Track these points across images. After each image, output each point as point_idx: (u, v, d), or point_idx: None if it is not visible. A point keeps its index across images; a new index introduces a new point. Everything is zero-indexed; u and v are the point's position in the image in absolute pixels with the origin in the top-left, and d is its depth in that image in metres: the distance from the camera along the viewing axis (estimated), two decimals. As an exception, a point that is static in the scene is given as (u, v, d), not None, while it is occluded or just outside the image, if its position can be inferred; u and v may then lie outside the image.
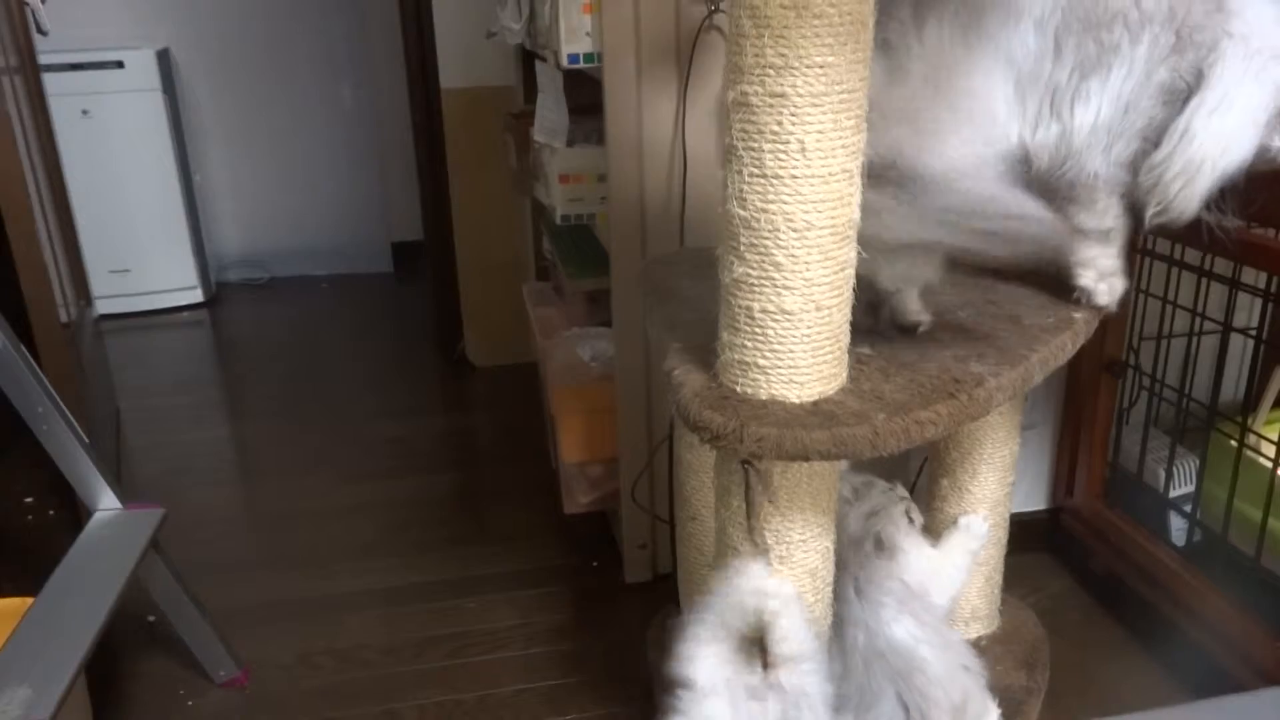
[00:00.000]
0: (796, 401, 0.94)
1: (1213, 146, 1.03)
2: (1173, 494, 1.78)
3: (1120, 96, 1.07)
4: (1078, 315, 1.18)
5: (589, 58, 1.74)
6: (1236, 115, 1.03)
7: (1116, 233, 1.19)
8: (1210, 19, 1.03)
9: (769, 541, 1.00)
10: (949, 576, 1.36)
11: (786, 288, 0.90)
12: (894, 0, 0.99)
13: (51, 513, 2.25)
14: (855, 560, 1.26)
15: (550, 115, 2.06)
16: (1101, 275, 1.21)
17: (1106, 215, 1.16)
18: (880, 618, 1.21)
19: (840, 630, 1.19)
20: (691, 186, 1.66)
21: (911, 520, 1.34)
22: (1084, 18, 1.04)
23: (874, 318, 1.09)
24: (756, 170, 0.87)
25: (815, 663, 0.99)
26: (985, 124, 1.04)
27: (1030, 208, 0.96)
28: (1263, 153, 1.05)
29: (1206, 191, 1.06)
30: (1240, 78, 1.03)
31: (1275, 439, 1.55)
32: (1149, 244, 1.68)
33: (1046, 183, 1.15)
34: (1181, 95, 1.07)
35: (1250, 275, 1.62)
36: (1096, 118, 1.08)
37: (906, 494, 1.37)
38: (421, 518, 2.27)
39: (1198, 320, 1.69)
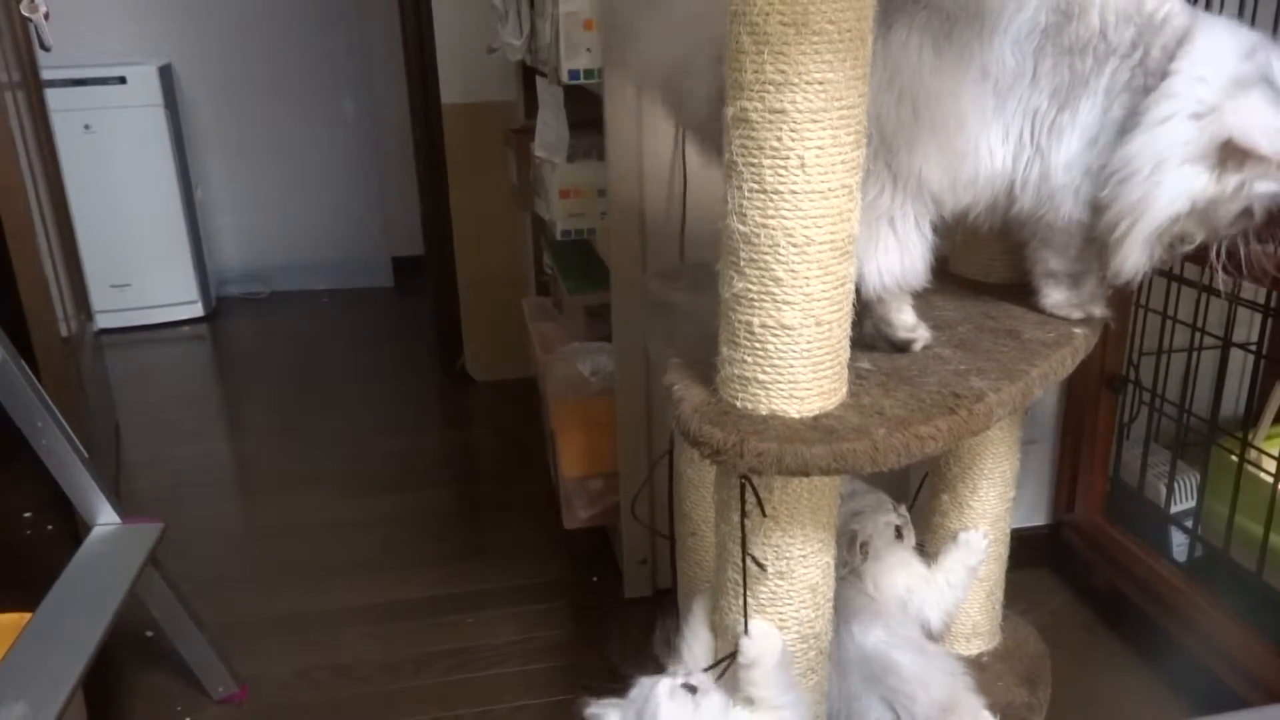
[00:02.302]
0: (796, 416, 0.94)
1: (1148, 178, 1.01)
2: (1174, 509, 1.78)
3: (1087, 129, 1.05)
4: (1078, 330, 1.18)
5: (589, 73, 1.74)
6: (1158, 156, 1.01)
7: (1087, 275, 1.19)
8: (1161, 63, 1.02)
9: (767, 558, 1.00)
10: (941, 592, 1.36)
11: (786, 303, 0.90)
12: None
13: (50, 527, 2.25)
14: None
15: (551, 130, 2.06)
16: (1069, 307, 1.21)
17: (1077, 260, 1.16)
18: (851, 631, 1.22)
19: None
20: (692, 201, 1.67)
21: (901, 536, 1.34)
22: (1058, 42, 1.04)
23: (858, 329, 1.09)
24: (756, 185, 0.87)
25: (794, 708, 0.99)
26: (955, 132, 1.03)
27: None
28: (1207, 200, 1.01)
29: (1147, 240, 1.03)
30: (1166, 119, 1.01)
31: (1276, 454, 1.55)
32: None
33: (1023, 223, 1.14)
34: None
35: (1250, 290, 1.62)
36: (1069, 154, 1.06)
37: (905, 514, 1.37)
38: (421, 532, 2.27)
39: (1198, 335, 1.69)
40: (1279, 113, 0.99)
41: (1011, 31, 1.03)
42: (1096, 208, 1.07)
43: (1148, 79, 1.02)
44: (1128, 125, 1.04)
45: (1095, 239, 1.10)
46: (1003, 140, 1.06)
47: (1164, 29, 1.03)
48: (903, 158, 1.01)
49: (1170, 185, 1.00)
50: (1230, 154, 0.98)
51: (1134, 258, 1.04)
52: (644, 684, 0.98)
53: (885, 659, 1.21)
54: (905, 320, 1.11)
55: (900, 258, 1.05)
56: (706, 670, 1.03)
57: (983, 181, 1.07)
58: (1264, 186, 0.99)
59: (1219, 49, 1.02)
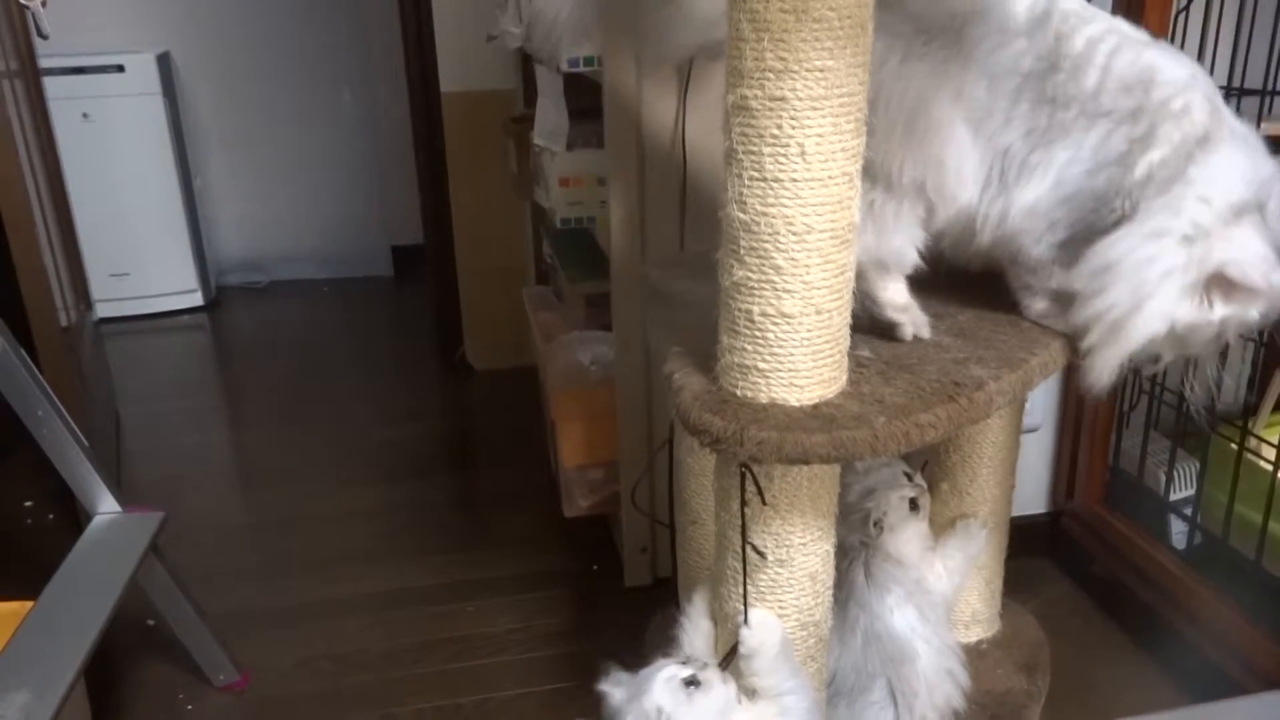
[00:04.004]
0: (796, 405, 0.94)
1: (1128, 296, 0.98)
2: (1173, 497, 1.78)
3: (1062, 183, 1.03)
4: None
5: (589, 61, 1.74)
6: (1141, 275, 0.98)
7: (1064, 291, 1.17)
8: (1177, 163, 0.98)
9: (767, 546, 1.00)
10: (940, 577, 1.37)
11: (786, 291, 0.90)
12: None
13: (51, 516, 2.25)
14: (844, 529, 1.27)
15: (550, 119, 2.06)
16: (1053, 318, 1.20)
17: (1051, 280, 1.13)
18: (885, 603, 1.23)
19: (844, 607, 1.20)
20: (691, 190, 1.66)
21: (916, 508, 1.34)
22: (1040, 90, 1.01)
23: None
24: (756, 174, 0.87)
25: (798, 695, 0.99)
26: (925, 138, 1.01)
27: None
28: (1186, 326, 0.99)
29: (1121, 355, 1.00)
30: (1159, 234, 0.97)
31: (1275, 442, 1.55)
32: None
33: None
34: (1112, 216, 1.02)
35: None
36: (1035, 200, 1.03)
37: (921, 483, 1.37)
38: (421, 521, 2.27)
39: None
40: (1267, 241, 0.97)
41: (989, 66, 1.02)
42: (1065, 257, 1.05)
43: (1154, 169, 0.99)
44: (1114, 205, 1.01)
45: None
46: (973, 168, 1.04)
47: (1182, 120, 0.99)
48: (872, 150, 1.00)
49: (1151, 309, 0.98)
50: (1218, 284, 0.97)
51: (1104, 377, 1.03)
52: (655, 665, 0.99)
53: (908, 646, 1.22)
54: (893, 299, 1.09)
55: (876, 236, 1.04)
56: (720, 665, 1.02)
57: (953, 198, 1.05)
58: (1250, 316, 0.99)
59: (1233, 171, 0.99)
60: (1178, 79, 1.01)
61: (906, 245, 1.06)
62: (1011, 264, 1.14)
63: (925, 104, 1.00)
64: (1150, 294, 0.98)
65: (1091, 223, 1.03)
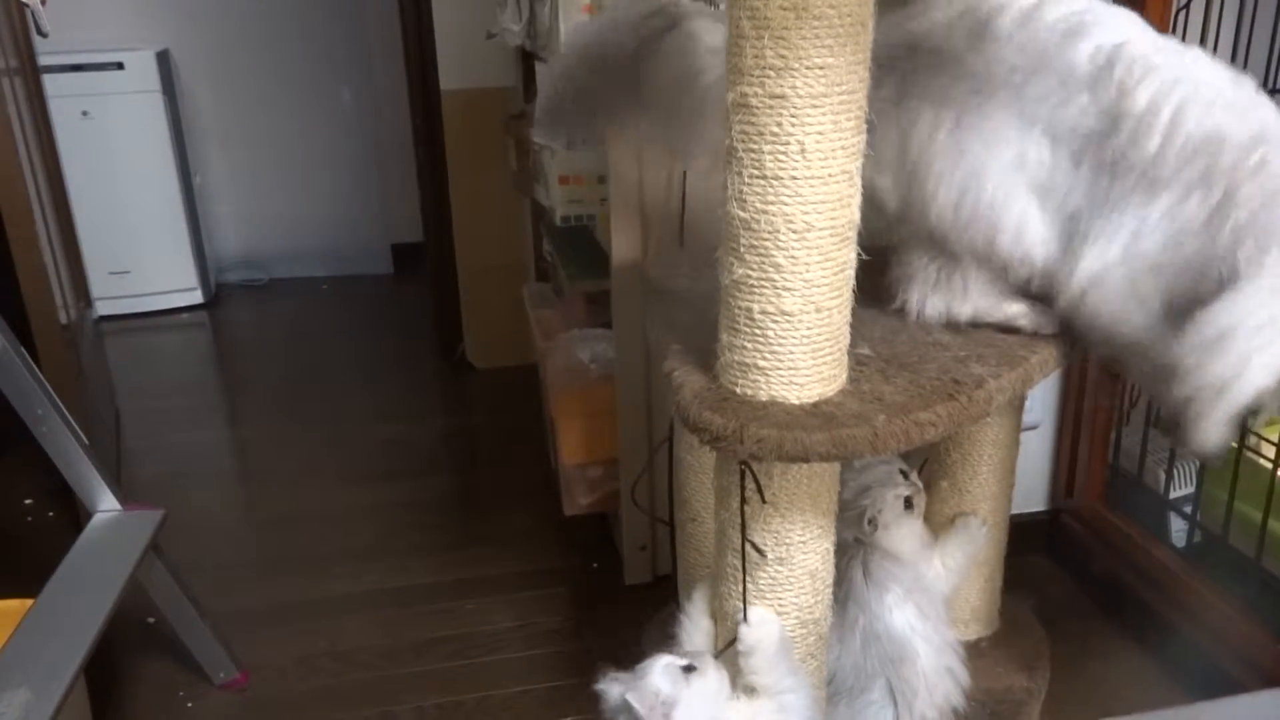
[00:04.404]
0: (796, 403, 0.94)
1: (1237, 360, 0.91)
2: (1173, 495, 1.78)
3: (1131, 257, 0.97)
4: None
5: (589, 59, 1.73)
6: (1256, 334, 0.91)
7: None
8: (1267, 211, 0.92)
9: (766, 544, 1.00)
10: (939, 575, 1.37)
11: (786, 289, 0.90)
12: (876, 74, 0.89)
13: (51, 514, 2.25)
14: (840, 525, 1.27)
15: (550, 116, 2.05)
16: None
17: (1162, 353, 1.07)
18: (884, 602, 1.24)
19: (843, 606, 1.20)
20: (691, 188, 1.66)
21: (911, 506, 1.35)
22: (1098, 153, 0.97)
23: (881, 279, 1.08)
24: (756, 172, 0.87)
25: (796, 693, 1.00)
26: (977, 217, 1.01)
27: None
28: None
29: (1227, 418, 0.92)
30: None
31: (1275, 440, 1.55)
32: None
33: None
34: (1210, 283, 0.95)
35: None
36: (1102, 270, 0.98)
37: (917, 481, 1.37)
38: (421, 519, 2.27)
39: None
40: None
41: (1051, 126, 0.98)
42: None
43: (1242, 230, 0.93)
44: (1210, 272, 0.95)
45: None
46: (1039, 232, 1.01)
47: (1259, 175, 0.93)
48: (928, 224, 1.01)
49: (1259, 363, 0.91)
50: None
51: (1213, 439, 0.94)
52: (652, 659, 0.99)
53: (907, 645, 1.23)
54: (1005, 312, 1.10)
55: (949, 301, 1.08)
56: (715, 655, 1.03)
57: (1025, 261, 1.03)
58: None
59: None
60: (1247, 139, 0.94)
61: (987, 303, 1.08)
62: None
63: (980, 178, 0.99)
64: (1260, 347, 0.92)
65: (1194, 289, 0.96)
